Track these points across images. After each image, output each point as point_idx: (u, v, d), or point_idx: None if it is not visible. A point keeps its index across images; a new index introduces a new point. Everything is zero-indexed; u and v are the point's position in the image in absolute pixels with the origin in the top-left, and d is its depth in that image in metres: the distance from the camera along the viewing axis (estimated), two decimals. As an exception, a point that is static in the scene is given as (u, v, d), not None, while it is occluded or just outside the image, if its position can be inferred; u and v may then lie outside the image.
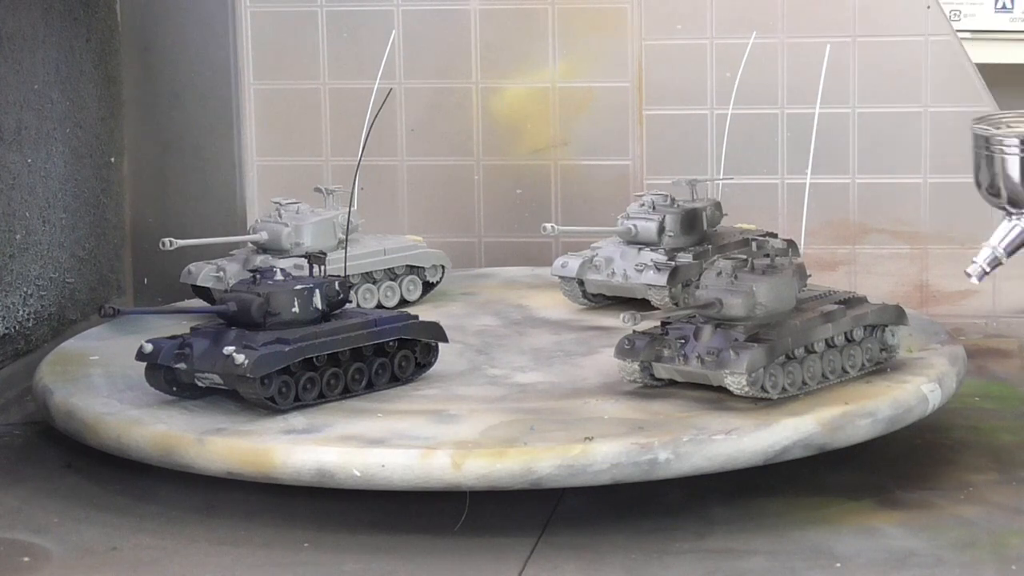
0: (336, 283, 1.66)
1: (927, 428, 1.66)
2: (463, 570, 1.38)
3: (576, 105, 2.29)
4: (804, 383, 1.56)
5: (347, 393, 1.63)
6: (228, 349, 1.57)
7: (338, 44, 2.32)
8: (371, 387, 1.65)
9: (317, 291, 1.63)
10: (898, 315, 1.65)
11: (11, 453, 1.71)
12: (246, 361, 1.55)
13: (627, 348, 1.58)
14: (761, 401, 1.53)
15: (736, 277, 1.56)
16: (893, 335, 1.65)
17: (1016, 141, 1.69)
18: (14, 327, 1.97)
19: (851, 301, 1.64)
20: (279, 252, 1.96)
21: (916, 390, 1.58)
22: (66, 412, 1.63)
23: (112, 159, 2.26)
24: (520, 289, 2.08)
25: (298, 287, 1.63)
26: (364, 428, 1.52)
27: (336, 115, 2.26)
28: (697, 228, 1.94)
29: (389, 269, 2.02)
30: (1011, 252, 1.74)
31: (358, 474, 1.45)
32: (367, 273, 2.00)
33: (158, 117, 2.33)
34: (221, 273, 1.94)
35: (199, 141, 2.34)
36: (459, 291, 2.07)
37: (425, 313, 1.87)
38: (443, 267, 2.06)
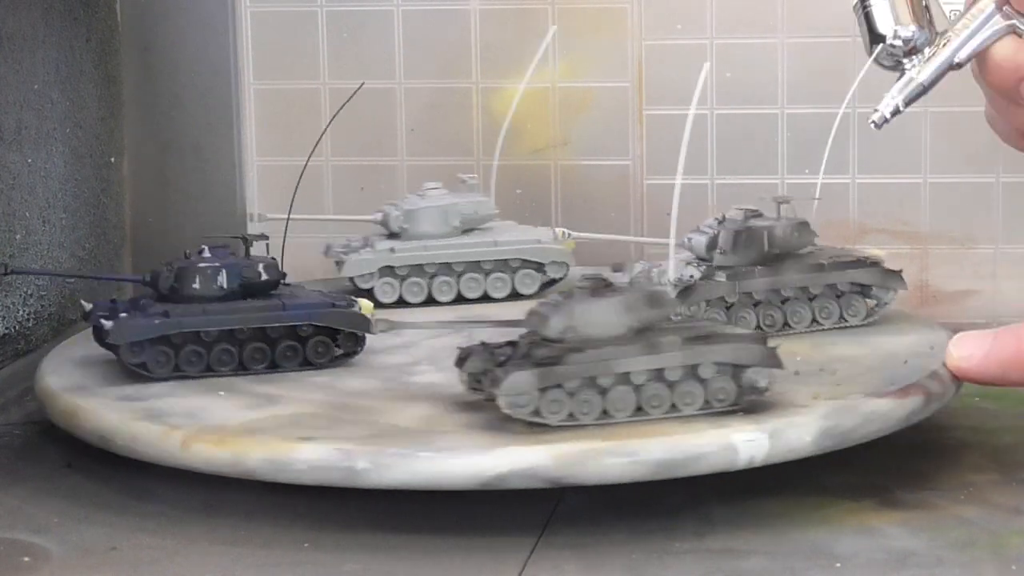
0: (260, 265, 1.73)
1: (927, 428, 1.66)
2: (463, 570, 1.38)
3: (576, 105, 2.29)
4: (606, 413, 1.48)
5: (244, 371, 1.70)
6: (116, 317, 1.68)
7: (338, 44, 2.32)
8: (276, 368, 1.71)
9: (223, 271, 1.71)
10: (766, 356, 1.50)
11: (11, 453, 1.71)
12: (111, 327, 1.66)
13: (461, 357, 1.55)
14: (538, 426, 1.47)
15: (568, 297, 1.51)
16: (762, 377, 1.50)
17: None
18: (14, 327, 1.97)
19: (712, 336, 1.51)
20: (393, 235, 2.02)
21: (722, 438, 1.44)
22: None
23: (112, 159, 2.26)
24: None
25: (202, 265, 1.71)
26: (177, 404, 1.59)
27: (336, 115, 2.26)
28: (754, 248, 1.78)
29: (503, 261, 2.03)
30: (908, 102, 1.71)
31: (120, 443, 1.53)
32: (474, 263, 2.02)
33: (158, 117, 2.33)
34: (346, 250, 2.03)
35: (199, 141, 2.34)
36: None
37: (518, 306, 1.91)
38: (566, 264, 2.05)
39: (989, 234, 2.24)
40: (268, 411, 1.57)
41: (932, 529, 1.44)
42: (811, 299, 1.80)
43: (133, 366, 1.68)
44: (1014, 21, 1.63)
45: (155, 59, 2.32)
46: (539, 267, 2.05)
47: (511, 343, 1.54)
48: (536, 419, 1.47)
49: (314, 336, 1.72)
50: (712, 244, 1.80)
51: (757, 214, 1.82)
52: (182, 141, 2.33)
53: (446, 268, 2.02)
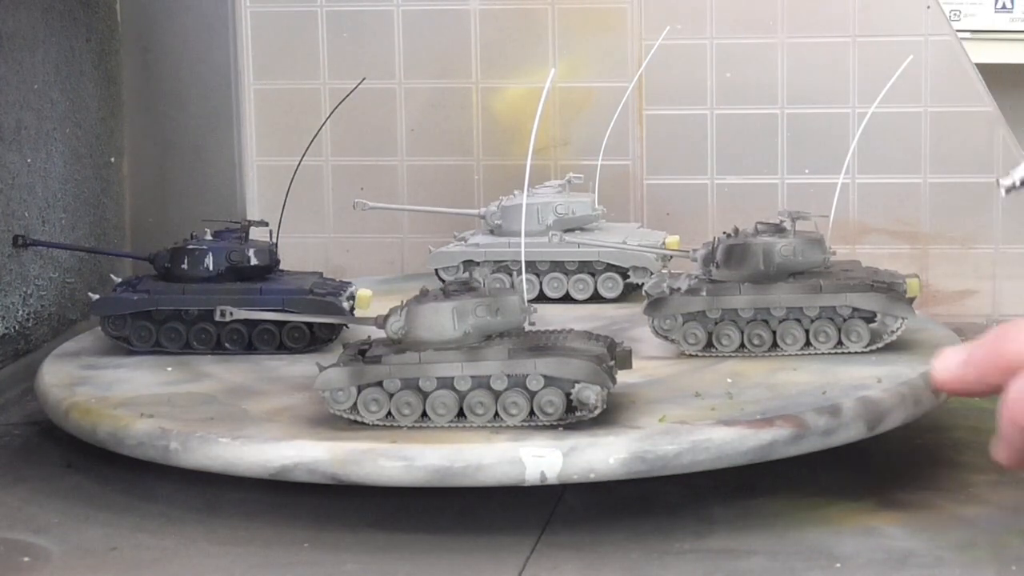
0: (250, 250, 1.81)
1: (927, 428, 1.66)
2: (463, 570, 1.38)
3: (576, 105, 2.29)
4: (424, 415, 1.48)
5: (222, 349, 1.79)
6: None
7: (338, 44, 2.32)
8: (252, 349, 1.79)
9: (210, 253, 1.80)
10: (593, 374, 1.46)
11: (11, 453, 1.71)
12: (94, 301, 1.80)
13: (345, 352, 1.55)
14: (356, 424, 1.49)
15: (415, 299, 1.51)
16: (592, 394, 1.45)
17: None
18: (14, 327, 1.97)
19: (544, 348, 1.49)
20: (490, 229, 2.07)
21: (509, 451, 1.41)
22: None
23: (112, 159, 2.26)
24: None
25: (191, 247, 1.82)
26: (116, 376, 1.72)
27: (336, 115, 2.26)
28: (748, 264, 1.71)
29: (586, 263, 2.03)
30: None
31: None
32: (558, 263, 2.03)
33: (158, 117, 2.33)
34: (462, 244, 2.06)
35: (199, 141, 2.34)
36: None
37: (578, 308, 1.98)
38: (648, 270, 2.01)
39: (989, 234, 2.24)
40: (178, 388, 1.66)
41: (932, 529, 1.44)
42: (812, 320, 1.71)
43: (114, 338, 1.79)
44: None
45: (155, 59, 2.32)
46: (623, 272, 2.03)
47: (373, 343, 1.55)
48: (353, 416, 1.49)
49: (289, 322, 1.77)
50: (709, 258, 1.75)
51: (778, 229, 1.74)
52: (182, 141, 2.33)
53: (530, 266, 2.01)
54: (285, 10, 2.32)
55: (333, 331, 1.80)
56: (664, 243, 2.04)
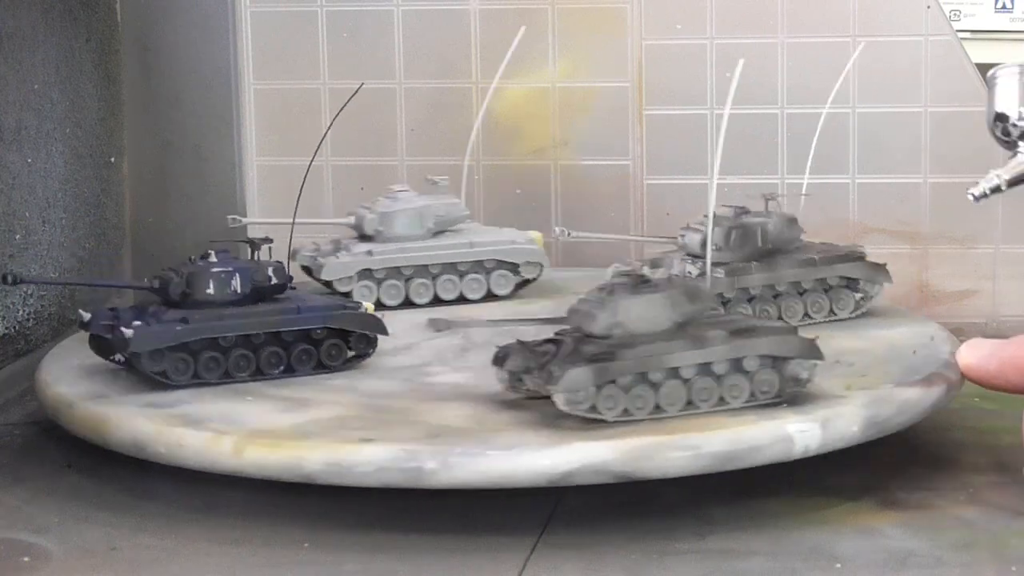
0: (269, 268, 1.71)
1: (927, 429, 1.66)
2: (463, 570, 1.38)
3: (576, 105, 2.29)
4: (659, 408, 1.50)
5: (260, 375, 1.67)
6: (129, 325, 1.65)
7: (338, 44, 2.32)
8: (292, 372, 1.69)
9: (236, 274, 1.68)
10: (807, 348, 1.53)
11: (11, 453, 1.71)
12: (131, 336, 1.63)
13: (499, 356, 1.55)
14: (595, 422, 1.48)
15: (611, 293, 1.52)
16: (804, 369, 1.53)
17: (1014, 68, 1.71)
18: (14, 327, 1.97)
19: (754, 329, 1.53)
20: (366, 237, 2.02)
21: (777, 429, 1.46)
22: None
23: (112, 159, 2.26)
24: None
25: (215, 269, 1.68)
26: (208, 409, 1.56)
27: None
28: (749, 244, 1.84)
29: (478, 262, 2.04)
30: (1012, 183, 1.72)
31: (163, 451, 1.49)
32: (450, 264, 2.02)
33: (158, 117, 2.33)
34: (316, 253, 2.01)
35: (199, 141, 2.34)
36: (571, 289, 2.04)
37: (498, 307, 1.97)
38: (540, 264, 2.05)
39: (989, 234, 2.24)
40: (306, 415, 1.55)
41: (932, 530, 1.44)
42: (801, 293, 1.84)
43: (154, 374, 1.64)
44: None
45: (155, 59, 2.32)
46: (514, 268, 2.05)
47: (551, 341, 1.54)
48: (593, 415, 1.48)
49: (327, 339, 1.71)
50: (705, 241, 1.77)
51: (745, 211, 1.86)
52: (182, 141, 2.33)
53: (423, 270, 2.02)
54: (285, 10, 2.32)
55: (370, 345, 1.74)
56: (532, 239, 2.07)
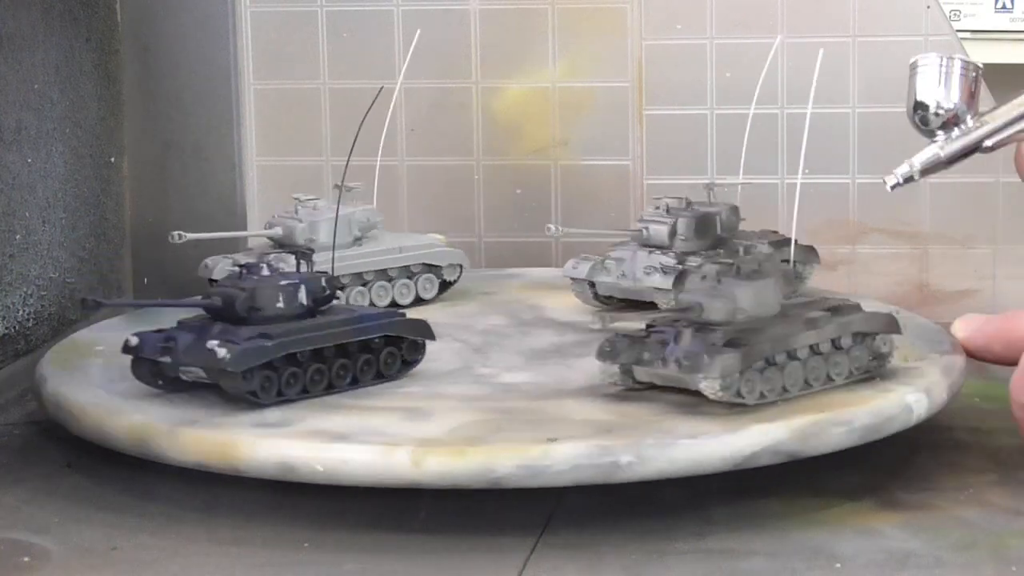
0: (323, 279, 1.67)
1: (927, 429, 1.66)
2: (463, 570, 1.38)
3: (576, 105, 2.29)
4: (785, 390, 1.54)
5: (331, 389, 1.64)
6: (211, 343, 1.57)
7: (338, 44, 2.32)
8: (356, 383, 1.65)
9: (303, 287, 1.64)
10: (889, 323, 1.62)
11: (11, 453, 1.71)
12: (228, 355, 1.56)
13: (607, 351, 1.57)
14: (737, 407, 1.51)
15: (720, 281, 1.55)
16: (885, 343, 1.62)
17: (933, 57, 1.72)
18: (14, 327, 1.97)
19: (840, 308, 1.61)
20: (293, 248, 1.95)
21: (899, 400, 1.54)
22: (55, 401, 1.65)
23: (112, 159, 2.26)
24: (541, 290, 2.08)
25: (283, 282, 1.63)
26: (334, 424, 1.52)
27: (336, 115, 2.26)
28: (711, 233, 1.93)
29: (405, 267, 2.04)
30: (925, 172, 1.74)
31: (320, 469, 1.44)
32: (382, 271, 2.02)
33: (158, 117, 2.33)
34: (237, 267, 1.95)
35: (199, 141, 2.34)
36: (480, 290, 2.08)
37: (439, 311, 1.94)
38: (460, 266, 2.07)
39: (989, 234, 2.24)
40: (441, 423, 1.52)
41: (932, 530, 1.44)
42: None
43: (247, 393, 1.57)
44: None
45: (155, 59, 2.32)
46: (438, 271, 2.06)
47: (654, 331, 1.56)
48: (737, 400, 1.51)
49: (384, 347, 1.68)
50: (673, 232, 1.90)
51: (690, 202, 1.94)
52: (182, 141, 2.33)
53: (357, 278, 2.00)
54: (285, 10, 2.32)
55: (419, 351, 1.71)
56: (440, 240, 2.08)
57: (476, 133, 2.30)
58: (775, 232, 2.00)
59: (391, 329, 1.68)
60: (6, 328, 1.95)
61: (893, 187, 1.72)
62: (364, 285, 2.01)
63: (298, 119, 2.32)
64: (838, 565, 1.36)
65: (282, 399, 1.60)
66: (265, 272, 1.66)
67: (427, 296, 2.05)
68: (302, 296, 1.64)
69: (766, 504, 1.50)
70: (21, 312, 1.99)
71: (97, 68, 2.22)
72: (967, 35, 3.39)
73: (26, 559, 1.41)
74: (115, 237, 2.27)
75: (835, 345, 1.58)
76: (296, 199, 2.02)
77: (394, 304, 2.02)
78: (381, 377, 1.68)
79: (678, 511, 1.49)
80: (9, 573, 1.39)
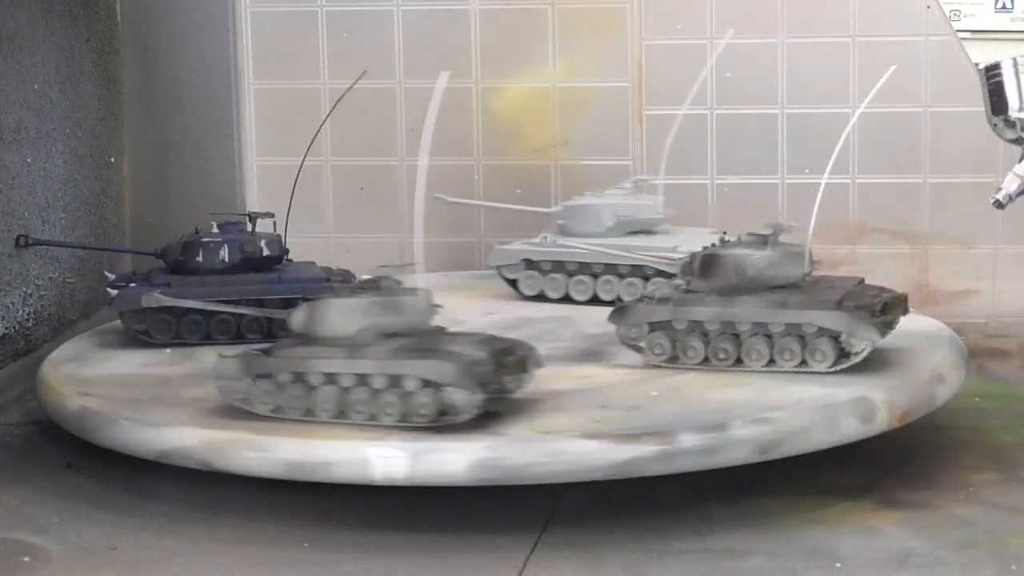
0: (262, 241, 1.84)
1: (927, 428, 1.66)
2: (463, 570, 1.38)
3: (576, 105, 2.29)
4: (312, 412, 1.50)
5: (241, 339, 1.78)
6: (110, 286, 1.83)
7: (338, 44, 2.32)
8: (271, 337, 1.76)
9: (225, 245, 1.83)
10: (461, 378, 1.45)
11: (11, 452, 1.71)
12: (111, 298, 1.81)
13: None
14: (251, 415, 1.52)
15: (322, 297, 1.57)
16: (459, 397, 1.45)
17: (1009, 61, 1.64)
18: (14, 327, 1.97)
19: (424, 350, 1.48)
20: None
21: (357, 449, 1.43)
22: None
23: (112, 159, 2.26)
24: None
25: (206, 239, 1.84)
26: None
27: (336, 115, 2.26)
28: (721, 276, 1.66)
29: (638, 267, 1.96)
30: None
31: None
32: (612, 265, 1.97)
33: (158, 117, 2.33)
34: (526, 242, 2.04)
35: (199, 141, 2.34)
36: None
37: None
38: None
39: (989, 234, 2.24)
40: (154, 371, 1.67)
41: (932, 529, 1.44)
42: (779, 336, 1.63)
43: (136, 332, 1.79)
44: None
45: (155, 59, 2.32)
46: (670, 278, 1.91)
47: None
48: (247, 407, 1.52)
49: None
50: (687, 268, 1.70)
51: (764, 240, 1.68)
52: (182, 141, 2.33)
53: (585, 268, 1.98)
54: (285, 10, 2.32)
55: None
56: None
57: (476, 133, 2.30)
58: (861, 281, 1.76)
59: (307, 292, 1.75)
60: (6, 328, 1.95)
61: (1005, 204, 1.64)
62: (594, 276, 1.99)
63: (298, 119, 2.32)
64: (838, 564, 1.36)
65: (180, 341, 1.79)
66: (214, 231, 1.85)
67: (627, 298, 1.91)
68: (224, 254, 1.83)
69: (766, 504, 1.50)
70: (21, 312, 1.99)
71: (97, 68, 2.22)
72: (967, 35, 3.38)
73: (26, 559, 1.41)
74: (115, 237, 2.27)
75: (399, 385, 1.47)
76: (618, 184, 2.04)
77: (618, 300, 1.92)
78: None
79: (678, 511, 1.49)
80: (9, 573, 1.39)
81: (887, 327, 1.64)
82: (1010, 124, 1.62)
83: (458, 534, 1.45)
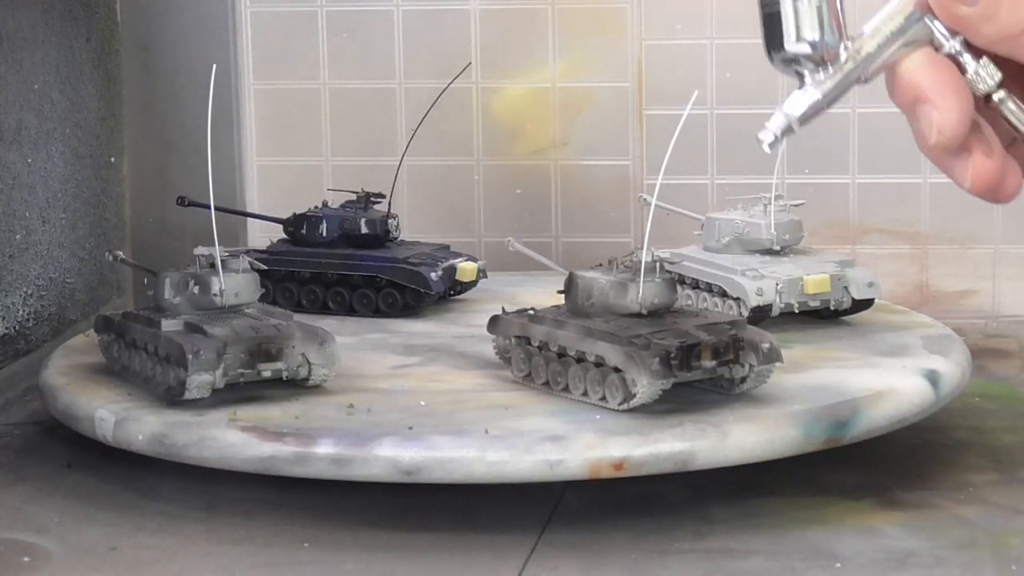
0: (361, 219, 1.95)
1: (927, 428, 1.66)
2: (463, 569, 1.38)
3: (576, 105, 2.29)
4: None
5: (327, 310, 1.94)
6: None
7: (338, 44, 2.32)
8: (353, 312, 1.94)
9: (324, 221, 1.96)
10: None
11: (12, 452, 1.71)
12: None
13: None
14: None
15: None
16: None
17: None
18: (14, 327, 1.97)
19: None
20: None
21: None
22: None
23: (112, 159, 2.26)
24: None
25: (311, 215, 1.97)
26: None
27: (336, 115, 2.26)
28: (574, 297, 1.60)
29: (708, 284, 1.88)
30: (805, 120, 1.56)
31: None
32: (694, 279, 1.90)
33: (158, 117, 2.33)
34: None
35: (199, 141, 2.34)
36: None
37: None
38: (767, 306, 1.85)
39: (989, 234, 2.24)
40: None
41: (932, 529, 1.44)
42: (579, 361, 1.55)
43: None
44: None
45: (155, 59, 2.32)
46: (740, 303, 1.83)
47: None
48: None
49: (384, 289, 1.92)
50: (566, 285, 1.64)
51: (649, 268, 1.60)
52: (182, 141, 2.33)
53: (694, 283, 1.90)
54: (285, 10, 2.32)
55: (420, 299, 1.92)
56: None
57: (476, 133, 2.30)
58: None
59: (383, 272, 1.90)
60: (6, 328, 1.95)
61: (771, 145, 1.56)
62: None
63: (298, 119, 2.32)
64: (838, 564, 1.36)
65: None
66: (332, 207, 1.99)
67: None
68: (323, 229, 1.95)
69: (766, 503, 1.50)
70: (21, 312, 1.99)
71: (97, 68, 2.22)
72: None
73: (26, 559, 1.41)
74: (115, 237, 2.27)
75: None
76: (763, 196, 1.92)
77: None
78: (380, 312, 1.92)
79: (678, 511, 1.49)
80: (9, 573, 1.39)
81: (685, 370, 1.48)
82: (787, 61, 1.41)
83: (458, 534, 1.45)
